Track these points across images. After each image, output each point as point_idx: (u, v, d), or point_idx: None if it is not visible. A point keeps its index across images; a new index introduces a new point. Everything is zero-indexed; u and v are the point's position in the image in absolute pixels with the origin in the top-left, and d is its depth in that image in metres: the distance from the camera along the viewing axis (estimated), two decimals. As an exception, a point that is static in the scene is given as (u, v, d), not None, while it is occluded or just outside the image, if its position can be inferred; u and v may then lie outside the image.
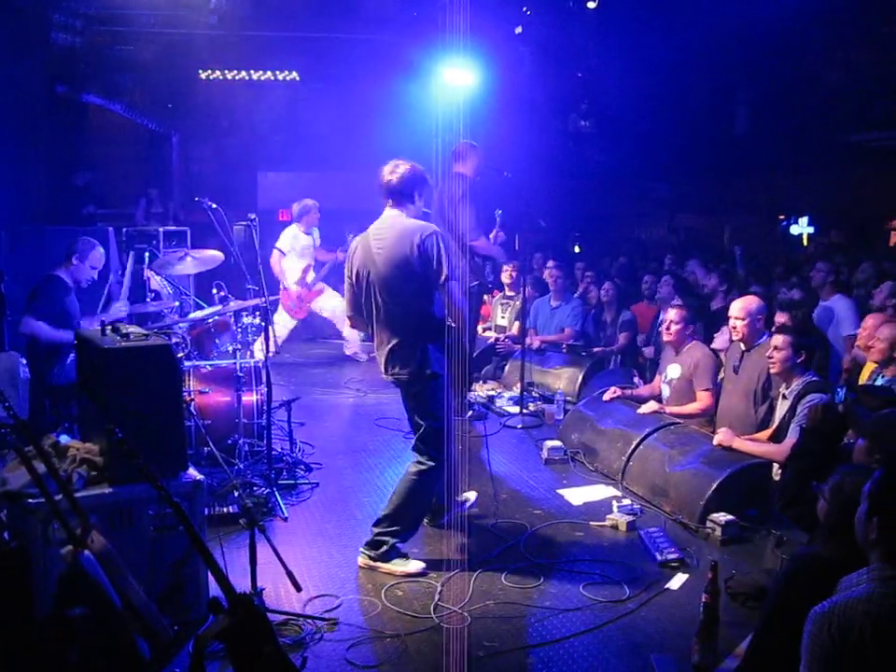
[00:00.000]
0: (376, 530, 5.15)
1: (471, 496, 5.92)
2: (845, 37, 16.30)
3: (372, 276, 5.12)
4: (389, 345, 5.14)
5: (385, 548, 5.09)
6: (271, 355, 6.48)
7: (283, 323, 10.32)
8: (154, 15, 11.28)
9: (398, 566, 5.07)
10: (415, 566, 5.08)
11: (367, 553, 5.13)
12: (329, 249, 10.78)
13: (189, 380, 6.52)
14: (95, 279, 6.99)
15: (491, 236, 7.78)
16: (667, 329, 7.11)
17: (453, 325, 5.02)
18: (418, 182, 5.22)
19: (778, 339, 5.87)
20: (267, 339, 6.34)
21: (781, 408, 5.85)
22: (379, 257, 5.08)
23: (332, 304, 10.75)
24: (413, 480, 5.17)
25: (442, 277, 4.93)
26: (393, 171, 5.15)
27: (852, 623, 2.68)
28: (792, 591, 3.31)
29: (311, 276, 10.56)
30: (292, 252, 10.43)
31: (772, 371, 5.96)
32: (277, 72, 13.62)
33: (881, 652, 2.65)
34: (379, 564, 5.07)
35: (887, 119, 14.25)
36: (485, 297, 10.25)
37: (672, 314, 7.12)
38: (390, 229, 5.12)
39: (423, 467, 5.15)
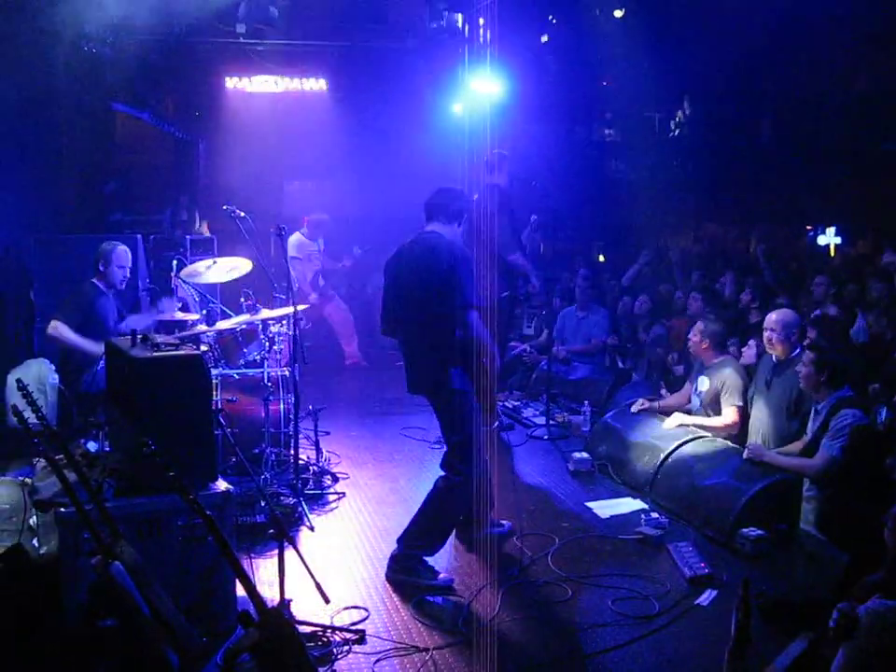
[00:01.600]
0: (404, 543, 5.12)
1: (506, 524, 5.87)
2: (872, 44, 16.17)
3: (401, 290, 5.16)
4: (413, 361, 5.18)
5: (412, 561, 5.07)
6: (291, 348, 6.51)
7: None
8: (182, 24, 11.32)
9: (425, 579, 5.03)
10: (443, 580, 5.05)
11: (394, 566, 5.10)
12: (336, 258, 11.09)
13: (216, 389, 6.52)
14: (128, 276, 6.98)
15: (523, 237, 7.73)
16: (688, 341, 7.14)
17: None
18: (464, 207, 5.30)
19: (805, 355, 5.85)
20: (297, 348, 6.33)
21: (813, 422, 5.79)
22: (409, 271, 5.11)
23: (340, 314, 11.05)
24: (440, 494, 5.14)
25: (465, 306, 4.93)
26: (444, 190, 5.27)
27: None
28: None
29: (321, 281, 10.90)
30: (301, 258, 10.79)
31: (801, 386, 5.93)
32: (304, 80, 13.62)
33: None
34: (406, 577, 5.04)
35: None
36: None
37: (694, 328, 7.12)
38: (424, 244, 5.14)
39: (450, 481, 5.12)
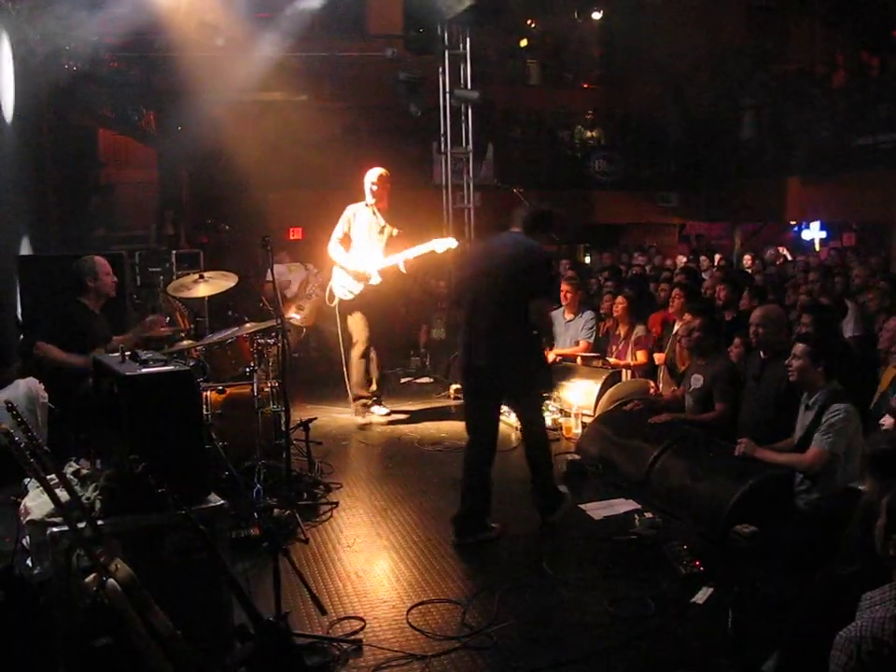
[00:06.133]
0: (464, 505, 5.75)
1: (498, 527, 5.90)
2: (849, 40, 16.29)
3: (484, 281, 5.67)
4: (484, 337, 5.60)
5: (475, 521, 5.72)
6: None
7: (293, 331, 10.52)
8: (162, 39, 11.34)
9: (490, 532, 5.70)
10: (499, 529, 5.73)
11: (460, 530, 5.67)
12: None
13: (206, 403, 6.50)
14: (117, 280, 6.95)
15: None
16: (689, 336, 7.12)
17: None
18: (545, 225, 5.92)
19: (797, 347, 5.78)
20: (284, 359, 6.32)
21: (805, 417, 5.76)
22: (496, 259, 5.72)
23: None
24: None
25: (541, 294, 5.66)
26: (534, 210, 5.99)
27: (882, 646, 2.64)
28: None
29: (306, 288, 11.18)
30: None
31: (791, 379, 5.88)
32: (286, 91, 13.63)
33: None
34: (475, 537, 5.64)
35: (891, 120, 14.24)
36: None
37: (695, 322, 7.10)
38: (510, 239, 5.79)
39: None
